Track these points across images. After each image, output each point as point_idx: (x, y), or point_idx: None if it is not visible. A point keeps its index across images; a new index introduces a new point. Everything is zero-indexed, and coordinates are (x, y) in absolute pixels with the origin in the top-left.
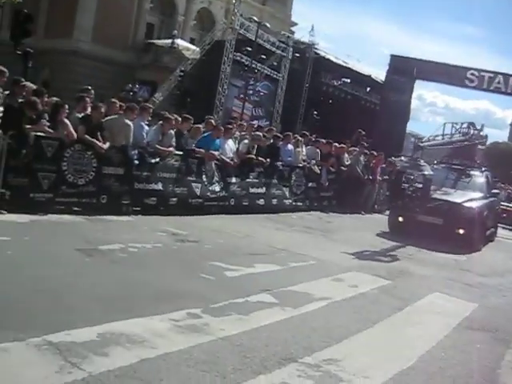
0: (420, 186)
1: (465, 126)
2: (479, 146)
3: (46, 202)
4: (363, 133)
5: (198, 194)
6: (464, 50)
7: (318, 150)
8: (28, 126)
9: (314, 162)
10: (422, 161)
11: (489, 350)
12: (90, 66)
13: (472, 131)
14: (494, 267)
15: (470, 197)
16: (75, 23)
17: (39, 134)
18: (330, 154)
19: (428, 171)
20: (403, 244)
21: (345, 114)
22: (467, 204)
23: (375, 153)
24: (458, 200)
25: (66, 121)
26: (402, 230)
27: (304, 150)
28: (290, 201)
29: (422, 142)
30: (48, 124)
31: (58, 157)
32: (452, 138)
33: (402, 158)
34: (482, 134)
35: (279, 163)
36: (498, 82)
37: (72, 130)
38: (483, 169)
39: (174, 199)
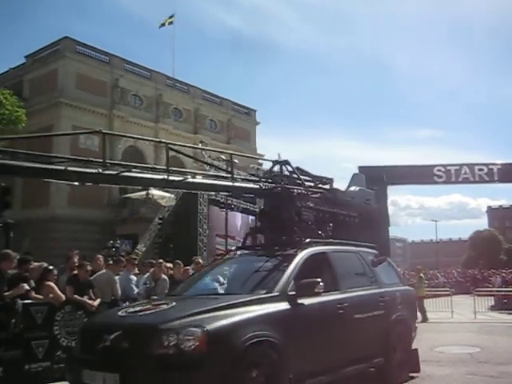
0: None
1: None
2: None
3: (44, 372)
4: None
5: None
6: (422, 153)
7: None
8: (6, 293)
9: None
10: None
11: None
12: (69, 229)
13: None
14: (510, 353)
15: (225, 303)
16: (50, 191)
17: (27, 301)
18: None
19: None
20: None
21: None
22: (171, 324)
23: None
24: (152, 320)
25: (51, 284)
26: None
27: None
28: None
29: None
30: (27, 288)
31: (49, 321)
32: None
33: None
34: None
35: None
36: (465, 173)
37: (58, 292)
38: (306, 240)
39: None
